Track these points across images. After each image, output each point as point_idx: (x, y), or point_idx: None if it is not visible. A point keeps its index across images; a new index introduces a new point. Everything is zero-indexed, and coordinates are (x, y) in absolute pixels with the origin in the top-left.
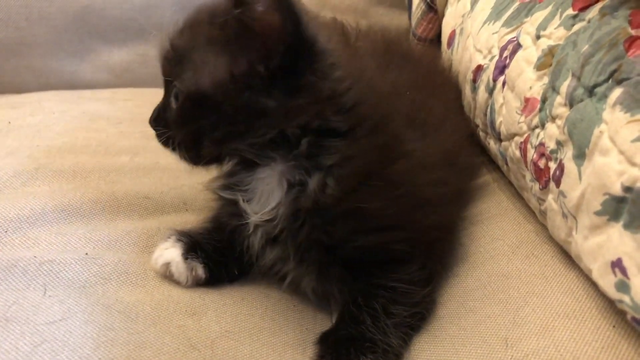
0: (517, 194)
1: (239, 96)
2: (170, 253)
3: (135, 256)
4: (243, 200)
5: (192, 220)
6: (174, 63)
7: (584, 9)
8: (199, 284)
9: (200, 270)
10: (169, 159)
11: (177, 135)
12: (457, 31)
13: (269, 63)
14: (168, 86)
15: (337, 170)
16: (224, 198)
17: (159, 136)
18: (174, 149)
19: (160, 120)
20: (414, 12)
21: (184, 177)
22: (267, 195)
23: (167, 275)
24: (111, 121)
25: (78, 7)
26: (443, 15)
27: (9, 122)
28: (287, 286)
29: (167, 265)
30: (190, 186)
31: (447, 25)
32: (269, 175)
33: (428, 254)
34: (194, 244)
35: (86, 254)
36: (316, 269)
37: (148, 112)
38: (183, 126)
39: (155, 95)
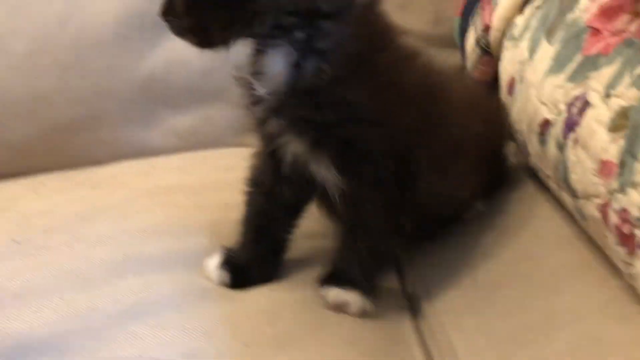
0: (599, 247)
1: None
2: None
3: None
4: (253, 78)
5: None
6: None
7: None
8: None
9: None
10: None
11: (186, 23)
12: (517, 79)
13: None
14: None
15: (332, 55)
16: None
17: (170, 26)
18: (186, 37)
19: (169, 12)
20: (468, 55)
21: None
22: (271, 74)
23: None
24: (187, 192)
25: (142, 78)
26: (499, 59)
27: (93, 206)
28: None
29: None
30: None
31: (505, 71)
32: (274, 59)
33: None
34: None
35: (188, 348)
36: (309, 145)
37: (219, 178)
38: (190, 15)
39: (221, 156)
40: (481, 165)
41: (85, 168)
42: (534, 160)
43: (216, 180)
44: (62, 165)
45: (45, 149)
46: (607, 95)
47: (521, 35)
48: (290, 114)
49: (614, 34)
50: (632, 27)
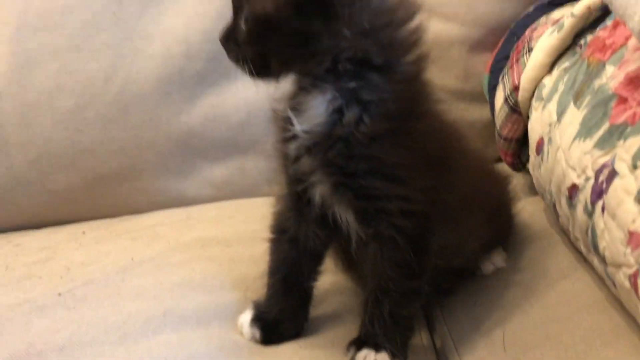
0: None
1: (293, 20)
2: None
3: None
4: (293, 115)
5: None
6: None
7: None
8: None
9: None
10: None
11: (247, 54)
12: (546, 140)
13: None
14: (237, 10)
15: (374, 108)
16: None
17: (228, 53)
18: (242, 65)
19: (230, 39)
20: (497, 113)
21: None
22: (312, 115)
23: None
24: (221, 244)
25: (181, 133)
26: (527, 118)
27: (132, 258)
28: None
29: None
30: None
31: (534, 131)
32: (319, 100)
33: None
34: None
35: None
36: (334, 187)
37: (253, 229)
38: (252, 47)
39: (254, 206)
40: (488, 220)
41: (125, 217)
42: (563, 221)
43: (250, 231)
44: (104, 213)
45: (87, 198)
46: (635, 166)
47: (549, 97)
48: (322, 155)
49: None
50: None
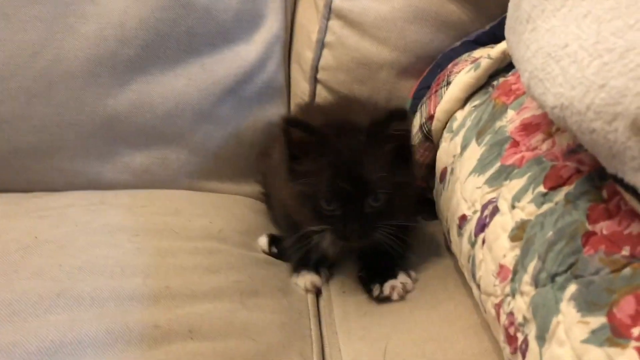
0: None
1: None
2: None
3: None
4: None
5: (197, 349)
6: None
7: (553, 188)
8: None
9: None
10: (178, 282)
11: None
12: (449, 170)
13: None
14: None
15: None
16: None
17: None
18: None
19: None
20: (413, 136)
21: (190, 304)
22: None
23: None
24: (128, 234)
25: (105, 115)
26: (438, 147)
27: (36, 237)
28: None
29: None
30: (196, 313)
31: (440, 160)
32: None
33: None
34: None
35: None
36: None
37: (164, 222)
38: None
39: (170, 198)
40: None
41: (37, 194)
42: (454, 247)
43: (160, 223)
44: (17, 188)
45: (2, 171)
46: (513, 206)
47: (457, 131)
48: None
49: (530, 149)
50: (544, 146)
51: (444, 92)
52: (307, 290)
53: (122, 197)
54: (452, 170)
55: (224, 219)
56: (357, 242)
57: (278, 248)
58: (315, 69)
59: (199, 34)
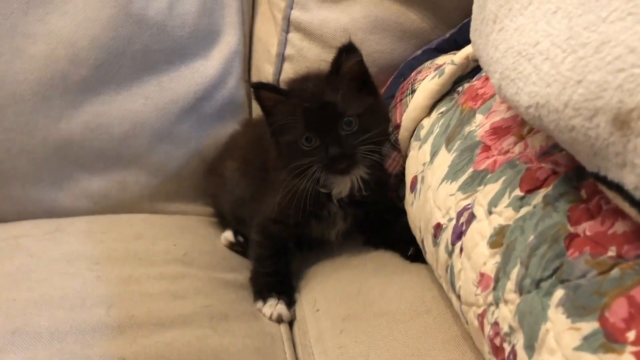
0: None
1: None
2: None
3: None
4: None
5: None
6: None
7: (530, 191)
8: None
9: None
10: (143, 310)
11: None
12: (419, 178)
13: None
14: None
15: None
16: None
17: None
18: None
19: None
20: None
21: (157, 333)
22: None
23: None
24: (88, 262)
25: (59, 140)
26: (406, 156)
27: None
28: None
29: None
30: (164, 342)
31: (410, 169)
32: (345, 180)
33: None
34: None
35: None
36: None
37: (125, 247)
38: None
39: (130, 222)
40: None
41: None
42: (429, 258)
43: (121, 249)
44: None
45: None
46: (490, 212)
47: (425, 138)
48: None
49: (502, 152)
50: (517, 149)
51: (409, 101)
52: (273, 320)
53: (79, 223)
54: (423, 178)
55: (189, 241)
56: (343, 164)
57: (245, 238)
58: (277, 83)
59: (155, 51)
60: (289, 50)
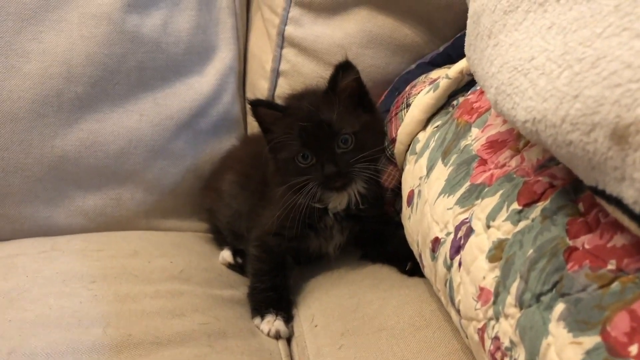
0: None
1: None
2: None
3: None
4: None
5: None
6: None
7: (528, 205)
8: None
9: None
10: (140, 329)
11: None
12: (416, 192)
13: None
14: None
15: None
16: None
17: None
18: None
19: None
20: None
21: (155, 352)
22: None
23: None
24: (84, 281)
25: (54, 158)
26: (402, 170)
27: None
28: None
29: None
30: None
31: (406, 182)
32: (341, 195)
33: None
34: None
35: None
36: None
37: (121, 265)
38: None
39: (126, 240)
40: None
41: None
42: (427, 272)
43: (118, 267)
44: None
45: None
46: (488, 226)
47: (421, 152)
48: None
49: (498, 166)
50: (513, 163)
51: (404, 115)
52: (271, 337)
53: (75, 241)
54: (419, 192)
55: (185, 258)
56: (338, 182)
57: (243, 259)
58: (272, 98)
59: (150, 68)
60: (283, 66)
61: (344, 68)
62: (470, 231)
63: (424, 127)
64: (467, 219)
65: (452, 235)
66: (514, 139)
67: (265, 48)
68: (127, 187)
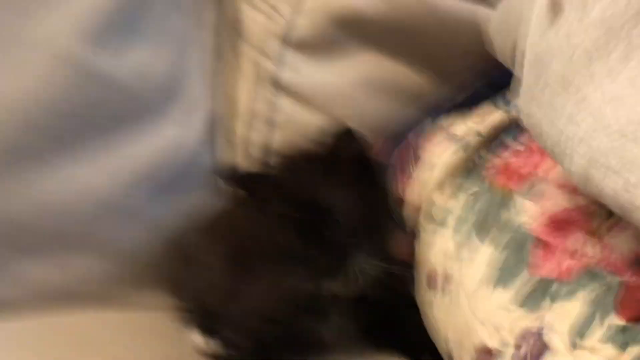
0: None
1: None
2: None
3: None
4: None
5: None
6: None
7: (637, 319)
8: None
9: None
10: None
11: None
12: (440, 271)
13: None
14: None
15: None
16: None
17: None
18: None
19: None
20: None
21: None
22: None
23: None
24: None
25: None
26: (415, 237)
27: None
28: None
29: None
30: None
31: (424, 257)
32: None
33: None
34: None
35: None
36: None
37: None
38: None
39: (72, 324)
40: None
41: None
42: None
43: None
44: None
45: None
46: (574, 345)
47: (443, 220)
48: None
49: (570, 255)
50: (590, 250)
51: (413, 170)
52: None
53: (11, 330)
54: (449, 276)
55: (147, 346)
56: (329, 274)
57: (217, 340)
58: (266, 151)
59: (105, 111)
60: (278, 117)
61: (345, 139)
62: (543, 348)
63: (441, 187)
64: (534, 328)
65: (511, 349)
66: (584, 217)
67: (255, 95)
68: (76, 252)
